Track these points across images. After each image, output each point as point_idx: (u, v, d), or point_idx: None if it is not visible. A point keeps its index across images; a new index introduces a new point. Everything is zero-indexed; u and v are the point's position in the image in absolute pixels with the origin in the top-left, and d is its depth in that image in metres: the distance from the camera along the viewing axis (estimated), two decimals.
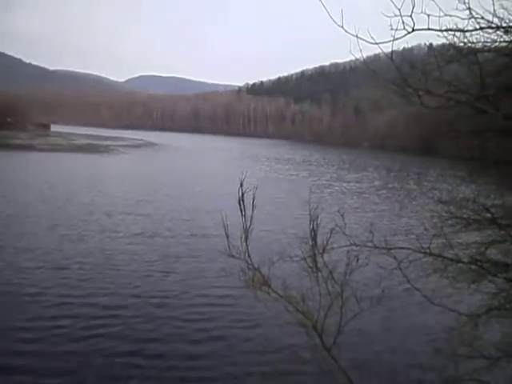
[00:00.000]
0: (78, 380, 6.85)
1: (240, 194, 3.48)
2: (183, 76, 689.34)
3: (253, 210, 3.56)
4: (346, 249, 4.06)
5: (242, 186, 3.47)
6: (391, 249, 4.79)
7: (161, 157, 58.46)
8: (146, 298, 9.95)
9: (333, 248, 3.79)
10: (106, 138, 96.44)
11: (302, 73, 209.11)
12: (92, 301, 9.67)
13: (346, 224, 4.25)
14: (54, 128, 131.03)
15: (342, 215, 4.36)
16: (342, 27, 3.33)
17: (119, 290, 10.41)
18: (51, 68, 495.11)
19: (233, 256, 3.57)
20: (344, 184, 34.88)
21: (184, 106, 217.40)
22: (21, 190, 23.93)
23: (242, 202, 3.52)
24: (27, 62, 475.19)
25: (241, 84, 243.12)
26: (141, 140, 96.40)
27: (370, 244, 4.51)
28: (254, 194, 3.58)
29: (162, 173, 35.95)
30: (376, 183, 36.43)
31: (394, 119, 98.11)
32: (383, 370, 7.36)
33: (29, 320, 8.59)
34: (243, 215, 3.56)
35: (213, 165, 46.53)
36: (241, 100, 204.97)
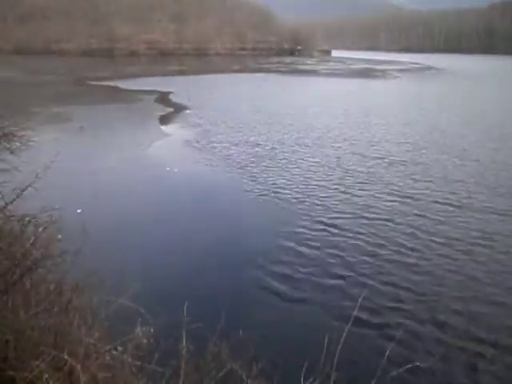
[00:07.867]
0: None
1: None
2: None
3: None
4: None
5: None
6: None
7: (441, 82, 53.25)
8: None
9: None
10: (382, 63, 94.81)
11: None
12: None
13: None
14: (334, 53, 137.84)
15: None
16: None
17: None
18: None
19: None
20: None
21: (474, 23, 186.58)
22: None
23: None
24: None
25: None
26: (418, 64, 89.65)
27: None
28: None
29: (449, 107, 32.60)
30: None
31: None
32: None
33: None
34: None
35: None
36: None
